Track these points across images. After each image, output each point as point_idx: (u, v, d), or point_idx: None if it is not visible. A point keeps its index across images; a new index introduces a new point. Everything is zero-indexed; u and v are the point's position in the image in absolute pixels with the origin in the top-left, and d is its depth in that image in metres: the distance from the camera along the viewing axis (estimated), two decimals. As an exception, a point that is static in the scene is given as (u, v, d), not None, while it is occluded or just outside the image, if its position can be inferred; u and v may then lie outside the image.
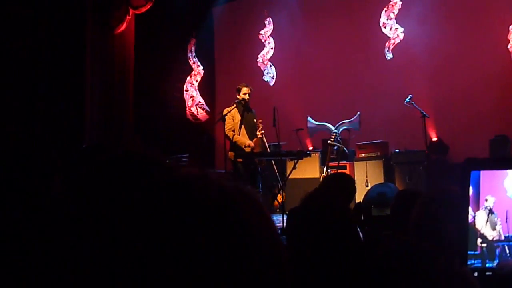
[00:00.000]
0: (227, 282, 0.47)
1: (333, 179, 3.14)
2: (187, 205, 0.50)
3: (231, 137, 6.12)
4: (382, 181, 6.57)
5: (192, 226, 0.49)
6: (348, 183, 3.16)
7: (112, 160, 0.93)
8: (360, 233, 2.65)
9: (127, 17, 8.18)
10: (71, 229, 0.90)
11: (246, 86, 6.25)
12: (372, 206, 3.49)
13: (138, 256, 0.49)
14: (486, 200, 1.27)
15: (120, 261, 0.50)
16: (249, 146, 6.09)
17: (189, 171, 0.57)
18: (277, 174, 6.64)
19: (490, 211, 1.27)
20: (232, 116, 6.17)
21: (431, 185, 6.23)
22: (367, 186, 6.58)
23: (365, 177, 6.88)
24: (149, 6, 8.13)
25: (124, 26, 8.18)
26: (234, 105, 6.19)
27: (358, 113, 6.82)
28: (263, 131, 6.23)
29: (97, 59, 7.94)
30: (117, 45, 8.24)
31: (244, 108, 6.21)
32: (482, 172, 1.24)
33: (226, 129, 6.15)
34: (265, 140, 6.34)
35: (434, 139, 7.52)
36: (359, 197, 5.89)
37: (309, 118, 7.31)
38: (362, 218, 3.06)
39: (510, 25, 6.97)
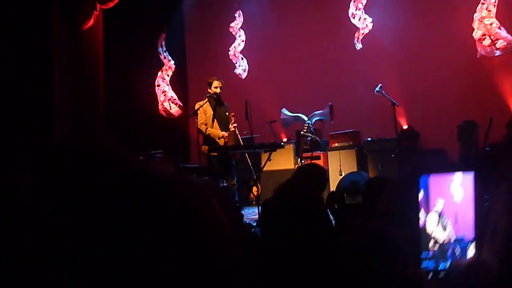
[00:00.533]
0: (164, 267, 0.48)
1: (303, 170, 3.18)
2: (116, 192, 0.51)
3: (204, 131, 6.11)
4: (356, 170, 6.67)
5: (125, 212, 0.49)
6: (318, 172, 3.20)
7: (78, 160, 0.93)
8: (332, 221, 2.70)
9: (95, 12, 8.03)
10: (36, 228, 0.89)
11: (217, 80, 6.25)
12: (345, 195, 3.56)
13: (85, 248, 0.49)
14: (436, 203, 1.32)
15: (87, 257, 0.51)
16: (222, 137, 6.10)
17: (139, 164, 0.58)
18: (251, 167, 6.67)
19: (440, 214, 1.32)
20: (204, 110, 6.16)
21: (402, 172, 6.35)
22: (340, 175, 6.67)
23: (339, 166, 6.97)
24: (116, 1, 8.00)
25: (91, 21, 8.03)
26: (206, 99, 6.19)
27: (329, 104, 6.88)
28: (235, 124, 6.25)
29: (65, 56, 7.78)
30: (85, 41, 8.09)
31: (216, 101, 6.22)
32: (431, 176, 1.28)
33: (198, 123, 6.14)
34: (238, 133, 6.36)
35: (405, 126, 7.67)
36: (333, 187, 5.97)
37: (283, 110, 7.34)
38: (336, 206, 3.11)
39: (474, 13, 7.13)
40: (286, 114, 7.24)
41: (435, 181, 1.32)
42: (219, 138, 6.09)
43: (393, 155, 6.77)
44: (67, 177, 0.88)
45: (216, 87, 6.20)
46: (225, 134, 6.13)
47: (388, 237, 1.13)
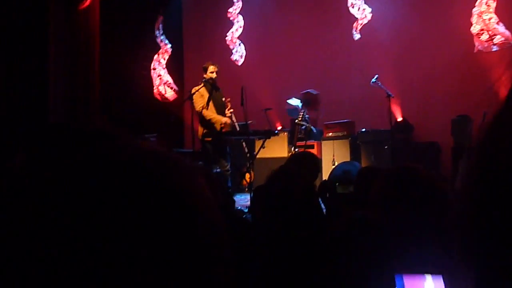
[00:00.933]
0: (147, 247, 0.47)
1: (296, 157, 3.19)
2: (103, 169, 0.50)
3: (204, 115, 6.08)
4: (349, 160, 6.70)
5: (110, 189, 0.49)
6: (312, 160, 3.21)
7: (71, 137, 0.93)
8: (324, 210, 2.72)
9: (91, -8, 7.94)
10: (34, 207, 0.89)
11: (212, 65, 6.23)
12: (337, 184, 3.57)
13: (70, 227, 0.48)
14: None
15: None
16: (225, 123, 6.08)
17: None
18: (247, 153, 6.67)
19: None
20: (202, 95, 6.14)
21: (395, 164, 6.39)
22: (334, 164, 6.70)
23: (332, 156, 6.99)
24: (114, -18, 7.91)
25: (88, 1, 7.94)
26: (202, 84, 6.16)
27: (305, 91, 6.79)
28: (232, 110, 6.24)
29: (60, 36, 7.70)
30: (81, 22, 8.01)
31: (212, 86, 6.20)
32: (404, 277, 1.28)
33: (197, 107, 6.10)
34: (234, 119, 6.35)
35: (399, 119, 7.69)
36: (326, 176, 6.00)
37: (289, 100, 7.27)
38: (327, 195, 3.13)
39: (473, 7, 7.12)
40: (290, 104, 7.19)
41: (409, 281, 1.32)
42: (221, 124, 6.06)
43: (386, 147, 6.80)
44: (54, 153, 0.88)
45: (212, 72, 6.18)
46: (228, 120, 6.11)
47: (372, 224, 1.15)
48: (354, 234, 1.09)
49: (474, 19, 7.04)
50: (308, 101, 6.67)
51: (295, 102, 7.20)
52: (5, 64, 6.83)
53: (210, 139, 6.09)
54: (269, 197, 1.67)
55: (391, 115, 6.49)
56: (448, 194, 1.38)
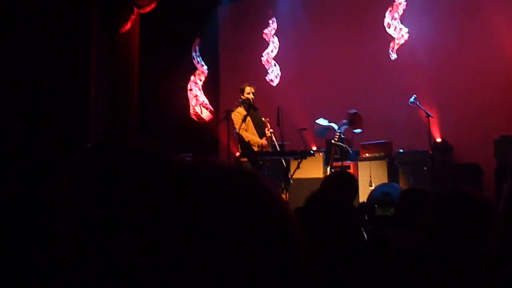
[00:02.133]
0: (237, 263, 0.48)
1: (335, 177, 3.14)
2: (197, 189, 0.51)
3: (244, 137, 6.11)
4: (386, 181, 6.56)
5: (197, 213, 0.49)
6: (350, 180, 3.16)
7: (122, 157, 0.94)
8: (364, 232, 2.65)
9: (132, 16, 8.19)
10: (83, 228, 0.90)
11: (249, 86, 6.28)
12: (376, 206, 3.49)
13: (150, 251, 0.49)
14: None
15: (131, 258, 0.51)
16: (262, 144, 6.08)
17: (188, 161, 0.58)
18: (288, 173, 6.61)
19: None
20: (241, 115, 6.18)
21: (435, 186, 6.22)
22: (370, 186, 6.58)
23: (369, 177, 6.87)
24: (153, 6, 8.14)
25: (129, 25, 8.20)
26: (239, 105, 6.21)
27: (350, 111, 6.74)
28: (271, 130, 6.24)
29: (102, 58, 7.96)
30: (121, 44, 8.26)
31: (250, 107, 6.23)
32: None
33: (238, 129, 6.12)
34: (274, 138, 6.35)
35: (438, 139, 7.51)
36: (363, 197, 5.88)
37: (319, 120, 7.24)
38: (366, 217, 3.06)
39: (515, 25, 6.94)
40: (319, 124, 7.15)
41: None
42: (258, 146, 6.07)
43: (425, 168, 6.63)
44: (115, 177, 0.89)
45: (248, 93, 6.22)
46: (265, 142, 6.12)
47: (426, 258, 1.10)
48: (406, 268, 1.05)
49: (516, 37, 6.85)
50: (356, 121, 6.62)
51: (323, 122, 7.16)
52: (49, 85, 7.09)
53: (246, 159, 6.10)
54: (309, 219, 1.64)
55: (430, 135, 6.34)
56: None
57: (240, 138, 6.13)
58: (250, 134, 6.12)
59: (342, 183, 2.94)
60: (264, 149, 6.05)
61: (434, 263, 1.06)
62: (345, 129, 6.77)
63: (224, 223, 0.49)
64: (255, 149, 6.05)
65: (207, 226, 0.48)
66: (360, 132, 6.67)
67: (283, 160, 6.52)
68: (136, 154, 0.95)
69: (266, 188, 0.55)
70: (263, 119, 6.29)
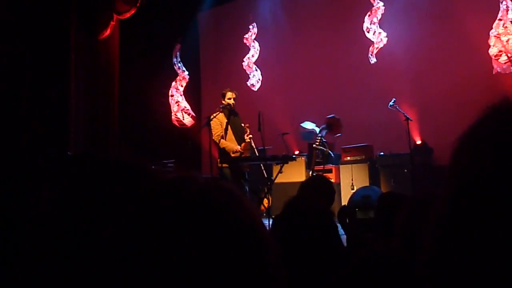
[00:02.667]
0: (215, 278, 0.50)
1: (311, 182, 3.16)
2: (174, 206, 0.53)
3: (220, 144, 6.12)
4: (368, 184, 6.63)
5: (179, 227, 0.51)
6: (325, 184, 3.18)
7: (100, 169, 0.94)
8: (344, 236, 2.68)
9: (111, 22, 8.15)
10: (62, 239, 0.90)
11: (230, 91, 6.29)
12: (356, 209, 3.53)
13: (131, 263, 0.50)
14: None
15: (114, 270, 0.52)
16: (237, 151, 6.10)
17: (171, 174, 0.60)
18: (266, 177, 6.64)
19: None
20: (220, 121, 6.18)
21: (415, 188, 6.31)
22: (352, 189, 6.64)
23: (351, 181, 6.93)
24: (133, 12, 8.12)
25: (108, 31, 8.15)
26: (220, 110, 6.21)
27: (328, 116, 6.82)
28: (251, 135, 6.26)
29: (81, 65, 7.90)
30: (101, 51, 8.21)
31: (230, 112, 6.25)
32: None
33: (214, 135, 6.15)
34: (253, 144, 6.36)
35: (418, 142, 7.61)
36: (344, 201, 5.94)
37: (304, 124, 7.30)
38: (347, 221, 3.09)
39: (490, 30, 7.09)
40: (304, 128, 7.21)
41: None
42: (233, 152, 6.09)
43: (406, 171, 6.72)
44: (95, 187, 0.89)
45: (229, 98, 6.24)
46: (239, 148, 6.13)
47: (396, 262, 1.12)
48: (374, 273, 1.07)
49: (492, 41, 7.00)
50: (333, 125, 6.67)
51: (309, 125, 7.20)
52: (27, 92, 7.00)
53: (226, 165, 6.11)
54: (288, 226, 1.65)
55: (410, 138, 6.43)
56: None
57: (216, 145, 6.16)
58: (225, 141, 6.14)
59: (317, 187, 2.96)
60: (242, 155, 6.06)
61: (401, 269, 1.09)
62: (326, 133, 6.84)
63: (200, 240, 0.50)
64: (232, 155, 6.07)
65: (184, 243, 0.50)
66: (339, 136, 6.74)
67: (261, 166, 6.55)
68: (114, 166, 0.95)
69: (241, 204, 0.57)
70: (242, 125, 6.31)
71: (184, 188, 0.55)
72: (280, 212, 1.76)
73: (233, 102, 6.24)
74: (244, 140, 6.20)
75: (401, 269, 1.07)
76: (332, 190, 3.13)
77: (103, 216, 0.80)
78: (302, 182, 3.05)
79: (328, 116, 6.80)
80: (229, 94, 6.26)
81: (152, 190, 0.57)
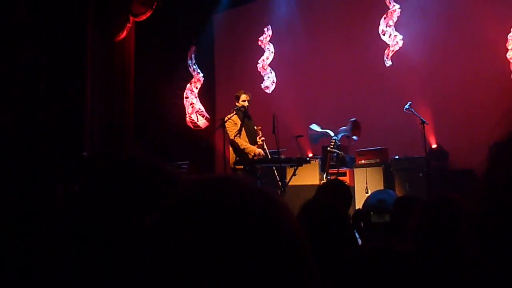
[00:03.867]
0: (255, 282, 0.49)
1: (329, 186, 3.15)
2: (214, 208, 0.52)
3: (238, 143, 6.10)
4: (382, 188, 6.57)
5: (220, 229, 0.50)
6: (344, 189, 3.16)
7: (115, 167, 0.94)
8: (359, 239, 2.65)
9: (128, 24, 8.21)
10: (79, 239, 0.91)
11: (244, 93, 6.29)
12: (371, 213, 3.49)
13: (161, 264, 0.50)
14: None
15: (139, 272, 0.51)
16: (259, 154, 6.06)
17: (207, 175, 0.59)
18: (279, 181, 6.64)
19: None
20: (234, 123, 6.18)
21: (430, 192, 6.24)
22: (367, 192, 6.59)
23: (365, 184, 6.88)
24: (149, 14, 8.17)
25: (124, 33, 8.22)
26: (234, 112, 6.22)
27: (351, 119, 6.80)
28: (263, 138, 6.25)
29: (97, 66, 7.97)
30: (117, 53, 8.28)
31: (244, 115, 6.24)
32: None
33: (231, 135, 6.12)
34: (265, 147, 6.35)
35: (434, 146, 7.53)
36: (359, 204, 5.90)
37: (312, 126, 7.29)
38: (362, 225, 3.06)
39: (509, 33, 6.99)
40: (314, 130, 7.19)
41: None
42: (254, 155, 6.05)
43: (421, 175, 6.65)
44: (114, 187, 0.90)
45: (244, 101, 6.24)
46: (261, 152, 6.10)
47: (402, 257, 1.11)
48: (377, 266, 1.05)
49: (510, 44, 6.89)
50: (356, 127, 6.65)
51: (316, 128, 7.18)
52: (45, 93, 7.09)
53: (241, 166, 6.10)
54: (304, 228, 1.64)
55: (425, 142, 6.36)
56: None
57: (235, 146, 6.12)
58: (245, 142, 6.13)
59: (336, 191, 2.95)
60: (256, 157, 6.05)
61: (410, 263, 1.08)
62: (342, 136, 6.81)
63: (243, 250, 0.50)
64: (250, 156, 6.05)
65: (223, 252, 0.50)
66: (357, 139, 6.70)
67: (274, 168, 6.54)
68: (130, 165, 0.95)
69: (285, 211, 0.57)
70: (255, 127, 6.31)
71: (226, 191, 0.54)
72: (297, 214, 1.75)
73: (247, 104, 6.24)
74: (256, 143, 6.19)
75: (402, 261, 1.06)
76: (349, 194, 3.10)
77: (125, 218, 0.80)
78: (319, 185, 3.03)
79: (352, 120, 6.78)
80: (243, 97, 6.26)
81: (191, 191, 0.56)
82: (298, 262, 0.53)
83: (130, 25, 8.28)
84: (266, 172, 6.91)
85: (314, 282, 0.54)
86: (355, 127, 6.69)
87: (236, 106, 6.26)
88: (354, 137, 6.70)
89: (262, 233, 0.51)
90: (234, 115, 6.19)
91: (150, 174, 0.93)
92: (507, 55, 6.91)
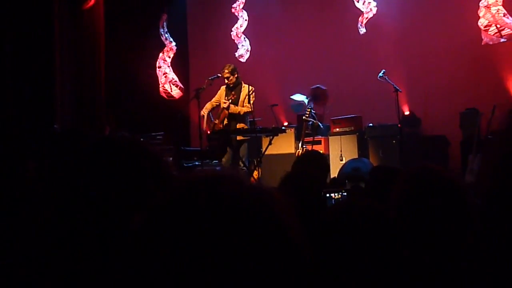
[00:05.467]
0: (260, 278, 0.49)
1: (307, 157, 3.17)
2: (207, 208, 0.50)
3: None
4: (356, 155, 6.67)
5: (223, 226, 0.49)
6: (322, 160, 3.20)
7: (98, 146, 0.91)
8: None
9: (96, -9, 7.93)
10: (58, 223, 0.88)
11: (223, 69, 6.39)
12: (346, 181, 3.56)
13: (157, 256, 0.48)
14: None
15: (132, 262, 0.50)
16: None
17: (206, 171, 0.58)
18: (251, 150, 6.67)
19: None
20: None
21: (404, 158, 6.37)
22: (341, 160, 6.68)
23: (340, 152, 6.96)
24: (118, -20, 7.90)
25: (92, 1, 7.93)
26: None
27: (312, 87, 6.82)
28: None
29: (65, 36, 7.71)
30: (86, 21, 8.00)
31: (227, 88, 6.38)
32: None
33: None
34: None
35: (407, 112, 7.65)
36: (333, 171, 5.98)
37: (293, 96, 7.28)
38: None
39: (480, 0, 7.02)
40: (293, 99, 7.19)
41: None
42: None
43: (394, 141, 6.76)
44: (98, 169, 0.87)
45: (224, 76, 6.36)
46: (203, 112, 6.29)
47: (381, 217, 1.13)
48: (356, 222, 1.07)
49: (481, 12, 6.93)
50: (318, 96, 6.64)
51: (299, 97, 7.18)
52: (11, 64, 6.85)
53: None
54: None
55: (398, 109, 6.44)
56: (470, 197, 1.35)
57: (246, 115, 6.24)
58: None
59: (314, 162, 2.97)
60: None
61: (392, 224, 1.09)
62: (314, 105, 6.83)
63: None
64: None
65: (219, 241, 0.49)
66: (330, 107, 6.74)
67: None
68: (114, 144, 0.92)
69: (272, 201, 0.56)
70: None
71: (226, 191, 0.53)
72: (276, 187, 1.75)
73: (226, 79, 6.33)
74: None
75: (375, 216, 1.09)
76: (327, 165, 3.14)
77: (110, 200, 0.78)
78: (297, 156, 3.05)
79: (313, 87, 6.77)
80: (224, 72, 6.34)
81: (183, 190, 0.54)
82: (295, 259, 0.53)
83: (98, -8, 7.99)
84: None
85: (310, 277, 0.55)
86: (318, 95, 6.69)
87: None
88: (327, 106, 6.74)
89: (258, 232, 0.51)
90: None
91: (136, 153, 0.90)
92: (478, 22, 6.96)
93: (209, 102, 6.42)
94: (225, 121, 6.23)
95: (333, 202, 2.48)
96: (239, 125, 6.21)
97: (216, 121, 6.21)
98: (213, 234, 0.48)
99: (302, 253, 0.54)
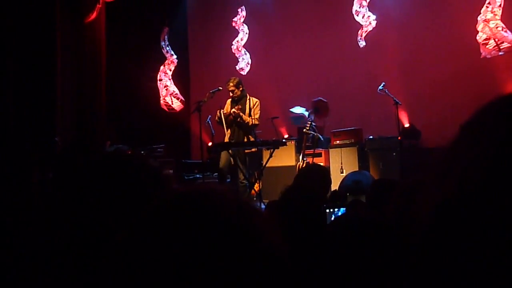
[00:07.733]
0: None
1: (309, 171, 3.17)
2: (189, 224, 0.52)
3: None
4: (357, 168, 6.68)
5: (209, 239, 0.51)
6: (323, 174, 3.20)
7: (100, 161, 0.93)
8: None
9: (97, 5, 7.99)
10: (62, 234, 0.90)
11: (228, 82, 6.48)
12: (347, 194, 3.55)
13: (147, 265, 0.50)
14: None
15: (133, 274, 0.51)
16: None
17: (191, 187, 0.60)
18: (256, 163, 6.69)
19: None
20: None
21: (404, 171, 6.37)
22: (342, 172, 6.68)
23: (340, 164, 6.97)
24: (119, -6, 7.97)
25: (94, 14, 8.00)
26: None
27: (313, 100, 6.88)
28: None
29: (67, 49, 7.75)
30: (88, 35, 8.06)
31: (232, 101, 6.45)
32: None
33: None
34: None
35: (407, 125, 7.67)
36: (334, 183, 5.98)
37: (294, 109, 7.33)
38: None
39: (479, 14, 7.08)
40: (293, 112, 7.24)
41: None
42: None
43: (394, 154, 6.77)
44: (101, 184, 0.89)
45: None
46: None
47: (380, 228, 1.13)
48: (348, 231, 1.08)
49: (480, 26, 6.98)
50: (319, 108, 6.69)
51: (298, 110, 7.21)
52: (13, 76, 6.88)
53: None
54: (284, 214, 1.65)
55: (398, 121, 6.47)
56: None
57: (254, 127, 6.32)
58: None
59: (315, 177, 2.98)
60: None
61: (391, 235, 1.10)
62: (314, 117, 6.87)
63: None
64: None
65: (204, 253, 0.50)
66: (328, 119, 6.79)
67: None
68: (116, 159, 0.94)
69: (254, 215, 0.58)
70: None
71: (209, 205, 0.55)
72: (277, 200, 1.76)
73: (231, 92, 6.45)
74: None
75: (375, 229, 1.09)
76: (329, 179, 3.14)
77: (110, 212, 0.79)
78: (299, 169, 3.05)
79: (314, 100, 6.82)
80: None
81: (172, 203, 0.56)
82: (275, 271, 0.54)
83: (100, 6, 8.06)
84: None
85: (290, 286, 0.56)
86: (319, 108, 6.74)
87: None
88: (325, 119, 6.79)
89: (238, 244, 0.52)
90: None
91: (136, 168, 0.92)
92: (477, 36, 7.01)
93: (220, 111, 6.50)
94: (234, 129, 6.33)
95: (332, 218, 2.50)
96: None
97: (224, 111, 6.30)
98: (189, 246, 0.50)
99: (282, 266, 0.55)
